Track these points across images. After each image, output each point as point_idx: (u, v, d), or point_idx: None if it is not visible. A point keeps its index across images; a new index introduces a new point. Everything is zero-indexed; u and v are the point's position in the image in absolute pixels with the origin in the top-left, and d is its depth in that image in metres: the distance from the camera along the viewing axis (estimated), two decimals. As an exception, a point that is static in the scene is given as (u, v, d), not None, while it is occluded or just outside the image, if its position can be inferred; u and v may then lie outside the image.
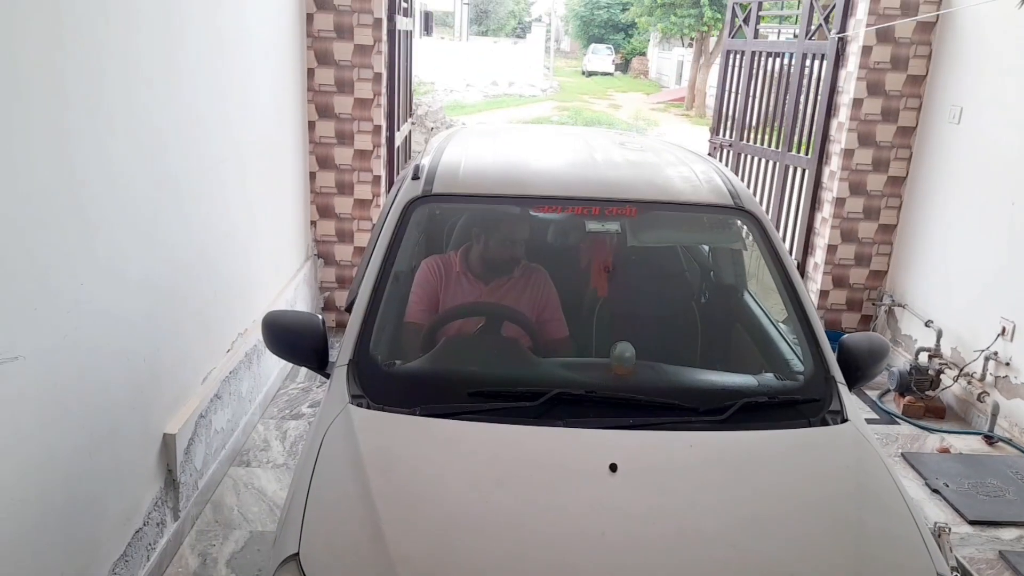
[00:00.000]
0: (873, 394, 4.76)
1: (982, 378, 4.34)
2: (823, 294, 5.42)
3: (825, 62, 5.33)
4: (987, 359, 4.30)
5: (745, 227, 2.64)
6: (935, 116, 4.92)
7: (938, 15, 4.89)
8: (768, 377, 2.28)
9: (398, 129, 5.40)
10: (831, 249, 5.34)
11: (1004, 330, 4.20)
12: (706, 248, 3.15)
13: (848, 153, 5.14)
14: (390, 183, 5.30)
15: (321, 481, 1.81)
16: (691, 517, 1.73)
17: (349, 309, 2.41)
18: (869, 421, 4.38)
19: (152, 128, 2.70)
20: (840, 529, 1.74)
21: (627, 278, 2.77)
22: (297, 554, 1.63)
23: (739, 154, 6.48)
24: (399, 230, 2.45)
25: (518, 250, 2.64)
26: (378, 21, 4.88)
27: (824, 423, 2.06)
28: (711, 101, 7.96)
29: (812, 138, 5.53)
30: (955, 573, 2.92)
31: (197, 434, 3.15)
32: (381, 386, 2.09)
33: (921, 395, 4.56)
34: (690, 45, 28.43)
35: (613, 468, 1.80)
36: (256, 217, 3.98)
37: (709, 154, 6.74)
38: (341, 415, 1.99)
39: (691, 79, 25.82)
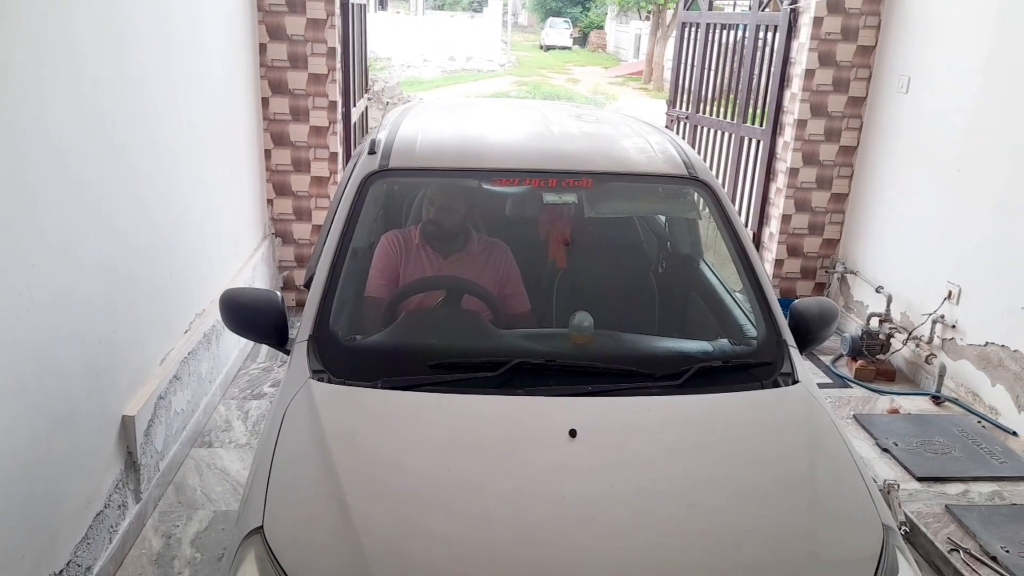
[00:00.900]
0: (827, 359, 4.89)
1: (930, 341, 4.48)
2: (778, 263, 5.53)
3: (778, 33, 5.40)
4: (934, 322, 4.44)
5: (700, 197, 2.69)
6: (884, 86, 5.03)
7: (886, -14, 4.97)
8: (722, 343, 2.34)
9: (354, 105, 5.34)
10: (785, 219, 5.44)
11: (950, 294, 4.33)
12: (663, 219, 3.20)
13: (801, 124, 5.22)
14: (347, 160, 5.25)
15: (283, 456, 1.82)
16: (649, 478, 1.78)
17: (308, 285, 2.41)
18: (823, 385, 4.51)
19: (98, 105, 2.64)
20: (791, 485, 1.81)
21: (585, 249, 2.80)
22: (261, 527, 1.64)
23: (695, 126, 6.54)
24: (356, 205, 2.45)
25: (458, 217, 2.65)
26: (330, -6, 4.81)
27: (776, 385, 2.12)
28: (668, 74, 8.00)
29: (766, 109, 5.61)
30: (903, 527, 3.04)
31: (157, 416, 3.13)
32: (342, 360, 2.10)
33: (872, 359, 4.69)
34: (647, 18, 28.43)
35: (573, 434, 1.84)
36: (211, 196, 3.92)
37: (666, 127, 6.79)
38: (302, 390, 2.00)
39: (649, 52, 25.85)
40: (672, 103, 6.91)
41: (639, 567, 1.58)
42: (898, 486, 3.15)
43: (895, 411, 4.16)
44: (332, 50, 4.90)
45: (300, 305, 3.02)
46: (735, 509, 1.73)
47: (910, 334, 4.62)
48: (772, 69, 5.48)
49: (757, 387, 2.11)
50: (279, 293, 2.36)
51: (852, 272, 5.31)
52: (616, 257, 2.89)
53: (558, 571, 1.56)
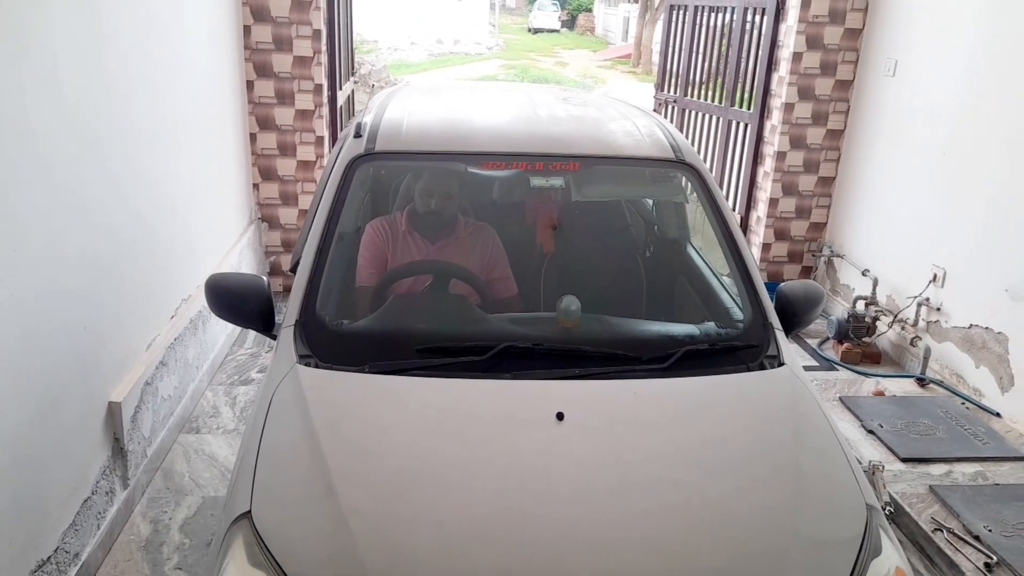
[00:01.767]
0: (813, 342, 4.92)
1: (915, 324, 4.52)
2: (765, 247, 5.55)
3: (766, 16, 5.39)
4: (919, 305, 4.47)
5: (687, 181, 2.68)
6: (871, 69, 5.03)
7: (874, -31, 4.96)
8: (709, 326, 2.35)
9: (340, 88, 5.30)
10: (773, 202, 5.45)
11: (935, 277, 4.36)
12: (650, 202, 3.20)
13: (788, 107, 5.23)
14: (333, 144, 5.21)
15: (271, 440, 1.82)
16: (635, 460, 1.79)
17: (294, 270, 2.39)
18: (809, 368, 4.54)
19: (74, 95, 2.61)
20: (777, 466, 1.82)
21: (572, 233, 2.80)
22: (249, 512, 1.64)
23: (684, 110, 6.53)
24: (342, 189, 2.43)
25: (453, 205, 2.63)
26: (315, -24, 4.76)
27: (762, 367, 2.13)
28: (657, 58, 7.98)
29: (754, 93, 5.61)
30: (888, 508, 3.08)
31: (143, 402, 3.11)
32: (329, 345, 2.09)
33: (858, 342, 4.73)
34: (636, 1, 28.29)
35: (560, 417, 1.85)
36: (195, 181, 3.89)
37: (654, 110, 6.78)
38: (289, 375, 1.99)
39: (637, 36, 25.75)
40: (660, 86, 6.90)
41: (624, 544, 1.59)
42: (883, 467, 3.18)
43: (880, 393, 4.20)
44: (317, 32, 4.85)
45: (287, 290, 3.00)
46: (721, 490, 1.74)
47: (895, 317, 4.65)
48: (760, 52, 5.47)
49: (743, 370, 2.12)
50: (265, 278, 2.34)
51: (839, 255, 5.33)
52: (603, 241, 2.89)
53: (545, 552, 1.57)
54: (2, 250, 2.15)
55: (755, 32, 5.56)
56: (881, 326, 4.75)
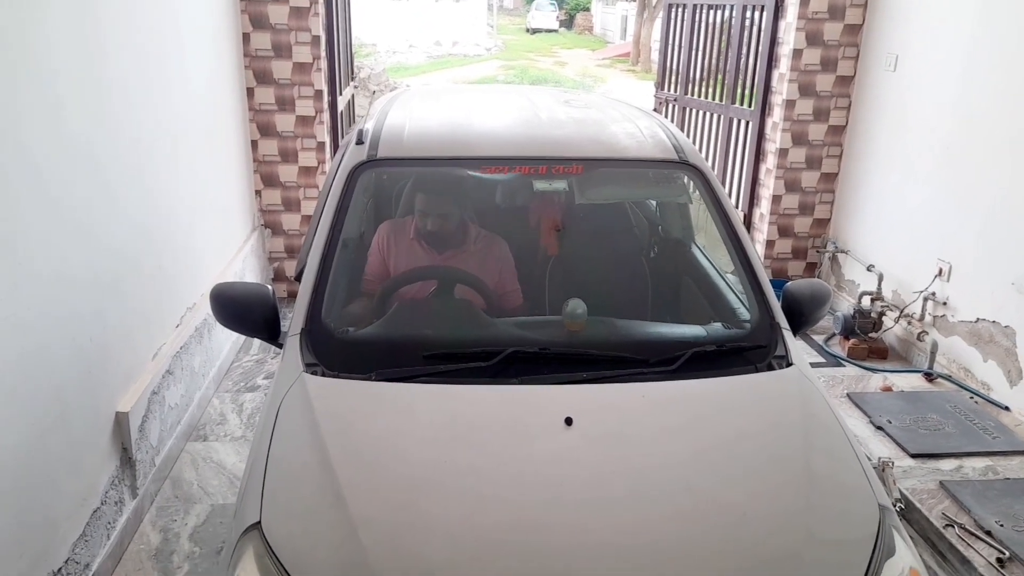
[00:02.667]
0: (819, 338, 4.91)
1: (921, 318, 4.50)
2: (769, 244, 5.54)
3: (765, 13, 5.37)
4: (925, 300, 4.46)
5: (690, 181, 2.68)
6: (872, 64, 5.02)
7: (873, -37, 4.95)
8: (716, 327, 2.34)
9: (340, 93, 5.30)
10: (776, 199, 5.44)
11: (941, 271, 4.35)
12: (654, 203, 3.19)
13: (790, 104, 5.21)
14: (334, 149, 5.21)
15: (279, 450, 1.82)
16: (645, 463, 1.78)
17: (299, 278, 2.39)
18: (816, 365, 4.53)
19: (71, 110, 2.61)
20: (788, 467, 1.81)
21: (576, 236, 2.79)
22: (259, 523, 1.64)
23: (684, 108, 6.52)
24: (345, 196, 2.43)
25: (454, 222, 2.62)
26: (314, -18, 4.76)
27: (770, 368, 2.13)
28: (656, 56, 7.97)
29: (755, 90, 5.60)
30: (898, 504, 3.07)
31: (151, 411, 3.11)
32: (335, 353, 2.09)
33: (865, 337, 4.71)
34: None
35: (568, 422, 1.84)
36: (197, 190, 3.89)
37: (655, 109, 6.78)
38: (296, 384, 1.99)
39: (636, 34, 25.72)
40: (660, 85, 6.89)
41: (638, 550, 1.59)
42: (892, 463, 3.17)
43: (888, 389, 4.19)
44: (316, 38, 4.85)
45: (292, 296, 3.01)
46: (732, 491, 1.73)
47: (902, 312, 4.64)
48: (760, 49, 5.46)
49: (751, 370, 2.12)
50: (270, 287, 2.34)
51: (843, 251, 5.32)
52: (608, 243, 2.88)
53: (557, 557, 1.57)
54: (7, 260, 2.15)
55: (754, 29, 5.54)
56: (887, 321, 4.74)
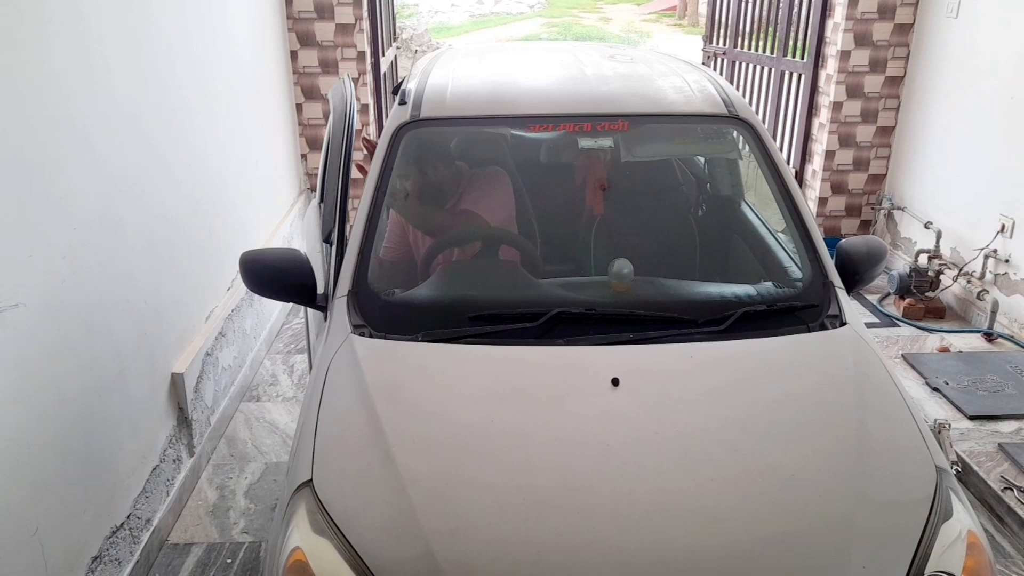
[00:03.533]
0: (873, 298, 4.79)
1: (981, 276, 4.35)
2: (822, 201, 5.39)
3: (819, -40, 5.16)
4: (986, 257, 4.30)
5: (740, 136, 2.60)
6: (933, 10, 4.79)
7: (936, -97, 4.70)
8: (767, 286, 2.28)
9: (383, 55, 5.27)
10: (829, 155, 5.28)
11: (1003, 227, 4.18)
12: (702, 160, 3.11)
13: (844, 55, 5.02)
14: (378, 110, 5.21)
15: (329, 410, 1.84)
16: (693, 424, 1.76)
17: (328, 240, 2.38)
18: (870, 325, 4.42)
19: (124, 81, 2.64)
20: (840, 429, 1.77)
21: (623, 194, 2.74)
22: (311, 480, 1.67)
23: (734, 62, 6.34)
24: (389, 157, 2.41)
25: (439, 174, 2.62)
26: (355, -59, 4.71)
27: (823, 327, 2.07)
28: (704, 8, 7.73)
29: (807, 41, 5.40)
30: (955, 467, 3.00)
31: (205, 372, 3.19)
32: (382, 315, 2.10)
33: (921, 296, 4.58)
34: (680, -49, 27.40)
35: (615, 382, 1.82)
36: (245, 155, 3.93)
37: (703, 63, 6.60)
38: (344, 345, 2.01)
39: (683, -13, 25.01)
40: (708, 39, 6.70)
41: (684, 512, 1.57)
42: (949, 425, 3.10)
43: (945, 349, 4.07)
44: (359, -1, 4.82)
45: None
46: (782, 453, 1.70)
47: (960, 270, 4.49)
48: (813, -2, 5.26)
49: (803, 330, 2.06)
50: (302, 250, 2.33)
51: (899, 208, 5.15)
52: (655, 201, 2.82)
53: (603, 517, 1.56)
54: (63, 225, 2.20)
55: (808, -23, 5.33)
56: (945, 280, 4.59)
